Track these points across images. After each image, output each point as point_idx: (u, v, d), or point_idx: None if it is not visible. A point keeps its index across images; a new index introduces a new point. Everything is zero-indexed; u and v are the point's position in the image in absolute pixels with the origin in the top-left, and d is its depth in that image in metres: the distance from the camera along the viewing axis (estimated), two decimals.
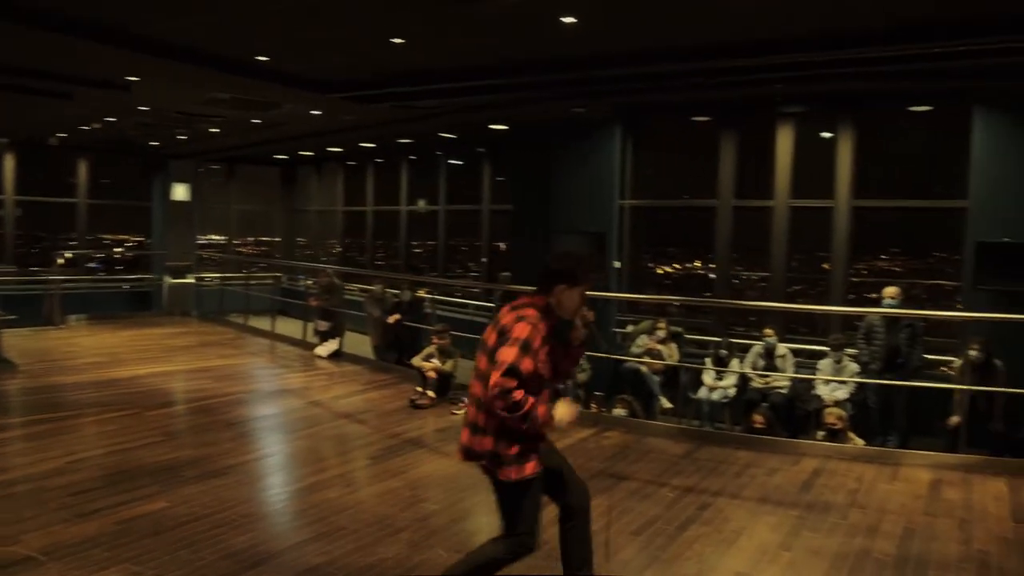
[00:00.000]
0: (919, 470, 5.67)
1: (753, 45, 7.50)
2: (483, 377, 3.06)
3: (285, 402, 7.43)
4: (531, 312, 3.06)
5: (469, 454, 3.14)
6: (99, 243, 17.89)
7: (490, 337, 3.10)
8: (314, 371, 9.03)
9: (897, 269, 10.17)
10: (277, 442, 6.12)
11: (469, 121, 11.42)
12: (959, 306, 9.16)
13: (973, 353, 7.46)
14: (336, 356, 9.74)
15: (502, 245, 13.89)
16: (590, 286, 3.25)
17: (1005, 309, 7.68)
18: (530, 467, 3.06)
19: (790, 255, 9.84)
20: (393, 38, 7.28)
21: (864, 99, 9.08)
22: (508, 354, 2.92)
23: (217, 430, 6.25)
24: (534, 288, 3.22)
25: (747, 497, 5.05)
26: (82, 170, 16.94)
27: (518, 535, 3.11)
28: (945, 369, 8.59)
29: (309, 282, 17.36)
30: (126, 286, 17.29)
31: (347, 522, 4.34)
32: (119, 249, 18.69)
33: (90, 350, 9.82)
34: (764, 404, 8.22)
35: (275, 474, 5.29)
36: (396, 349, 9.65)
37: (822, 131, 9.66)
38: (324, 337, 10.01)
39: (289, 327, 11.58)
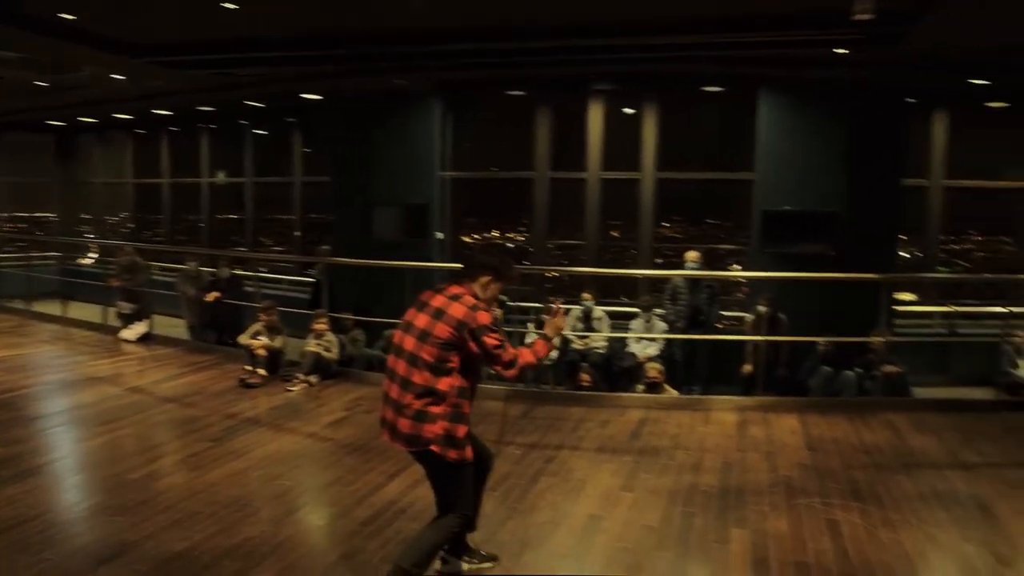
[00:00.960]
0: (726, 413, 6.37)
1: (565, 28, 7.91)
2: (415, 361, 3.12)
3: (97, 390, 6.83)
4: (473, 300, 3.20)
5: (413, 441, 3.13)
6: None
7: (418, 319, 3.17)
8: (123, 356, 8.37)
9: (678, 236, 11.15)
10: (99, 433, 5.62)
11: (285, 91, 10.98)
12: (734, 267, 10.30)
13: (762, 309, 8.44)
14: (145, 339, 9.07)
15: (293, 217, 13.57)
16: (511, 284, 3.43)
17: (787, 269, 8.74)
18: (470, 451, 3.20)
19: (603, 224, 10.49)
20: (224, 2, 6.84)
21: (666, 80, 9.82)
22: (493, 340, 3.14)
23: (20, 426, 5.66)
24: (459, 273, 3.34)
25: (586, 448, 5.43)
26: None
27: (462, 512, 3.25)
28: (721, 324, 9.60)
29: (87, 260, 15.94)
30: None
31: (201, 506, 4.17)
32: None
33: None
34: (584, 364, 8.77)
35: (106, 465, 4.90)
36: (215, 328, 9.18)
37: (630, 108, 10.33)
38: (128, 320, 9.28)
39: (83, 311, 10.58)
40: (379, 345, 9.73)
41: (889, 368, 7.83)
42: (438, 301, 3.20)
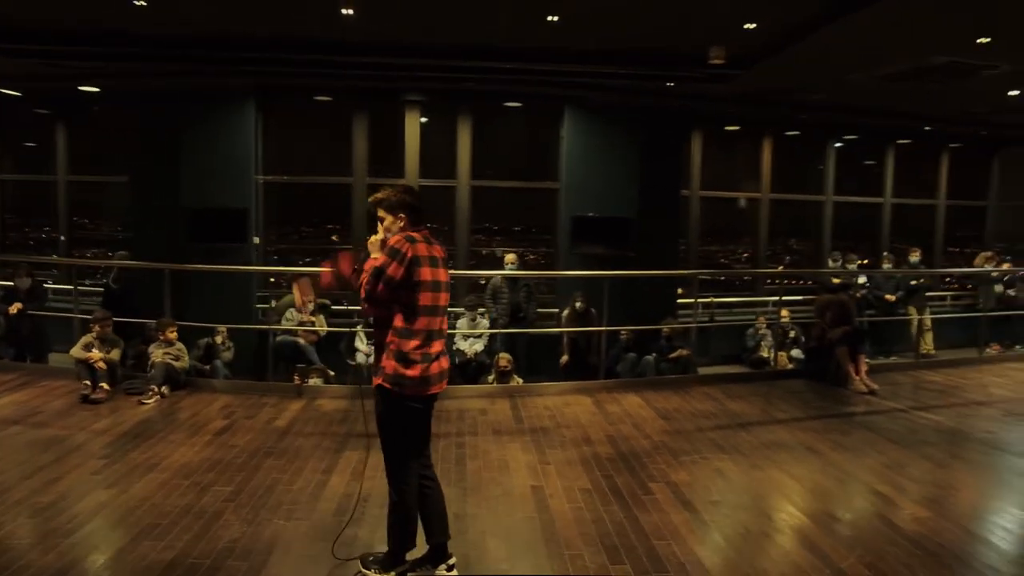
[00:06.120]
0: (578, 395, 7.20)
1: (380, 46, 8.44)
2: (444, 310, 3.50)
3: None
4: None
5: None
6: None
7: (439, 274, 3.42)
8: None
9: (493, 240, 11.91)
10: None
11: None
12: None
13: (577, 304, 9.47)
14: None
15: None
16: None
17: (592, 268, 9.89)
18: None
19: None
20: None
21: (476, 96, 10.53)
22: None
23: None
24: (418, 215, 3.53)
25: (484, 433, 5.93)
26: None
27: None
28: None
29: None
30: None
31: (155, 519, 4.03)
32: None
33: None
34: None
35: (5, 493, 4.43)
36: (13, 344, 8.17)
37: (444, 119, 10.87)
38: None
39: None
40: (194, 354, 9.28)
41: (680, 351, 9.30)
42: (435, 251, 3.45)
